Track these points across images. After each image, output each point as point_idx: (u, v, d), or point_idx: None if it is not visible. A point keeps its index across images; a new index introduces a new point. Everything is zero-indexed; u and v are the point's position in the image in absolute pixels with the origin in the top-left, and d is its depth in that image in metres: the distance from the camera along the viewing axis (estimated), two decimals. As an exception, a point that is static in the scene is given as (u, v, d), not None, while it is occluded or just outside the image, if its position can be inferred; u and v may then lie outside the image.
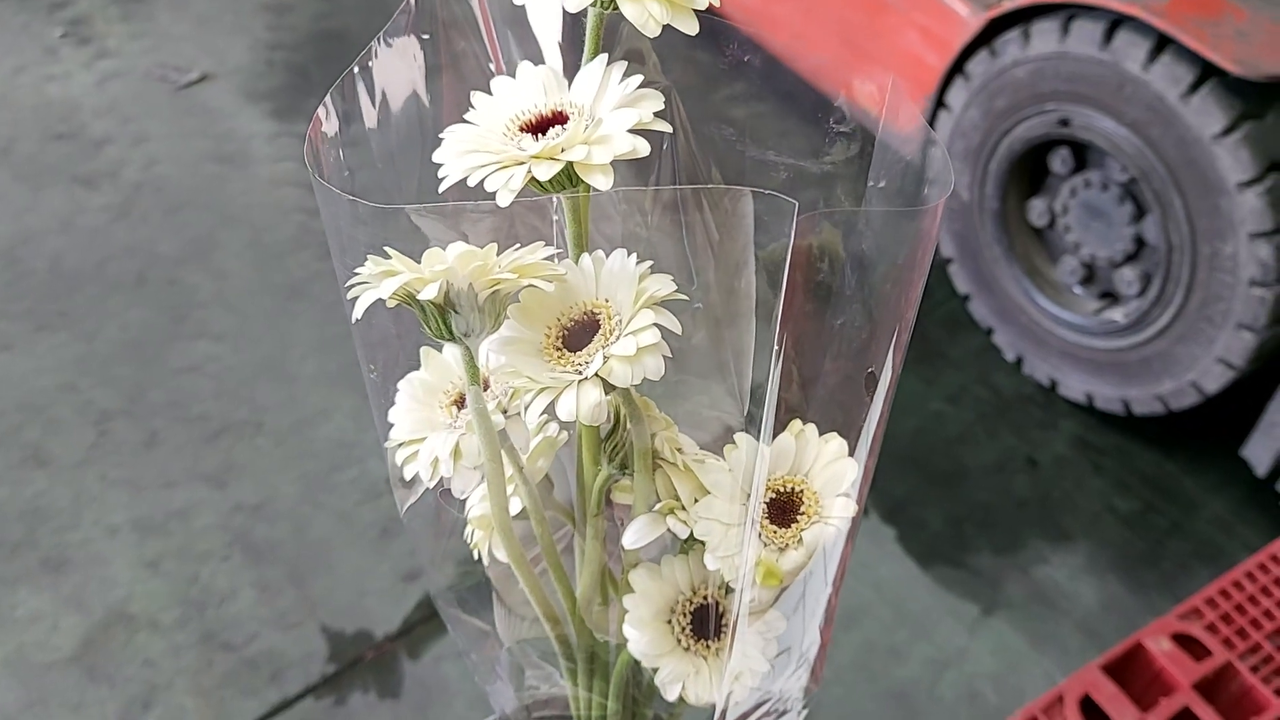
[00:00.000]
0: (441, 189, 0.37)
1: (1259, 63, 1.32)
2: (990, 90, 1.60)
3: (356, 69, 0.43)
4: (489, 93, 0.40)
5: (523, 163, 0.36)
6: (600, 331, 0.37)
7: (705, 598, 0.42)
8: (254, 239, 1.98)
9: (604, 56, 0.38)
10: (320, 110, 0.41)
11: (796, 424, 0.41)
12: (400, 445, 0.42)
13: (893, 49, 1.76)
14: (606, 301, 0.38)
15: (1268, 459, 1.48)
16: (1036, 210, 1.66)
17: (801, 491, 0.40)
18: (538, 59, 0.41)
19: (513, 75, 0.40)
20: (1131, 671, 0.95)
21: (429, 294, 0.35)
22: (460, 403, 0.42)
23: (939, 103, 1.70)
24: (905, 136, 0.46)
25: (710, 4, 0.38)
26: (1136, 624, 0.99)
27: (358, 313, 0.37)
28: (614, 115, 0.37)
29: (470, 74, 0.44)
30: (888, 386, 0.42)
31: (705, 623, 0.42)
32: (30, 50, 2.42)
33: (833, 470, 0.40)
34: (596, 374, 0.36)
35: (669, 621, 0.42)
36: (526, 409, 0.37)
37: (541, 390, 0.37)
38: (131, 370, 1.74)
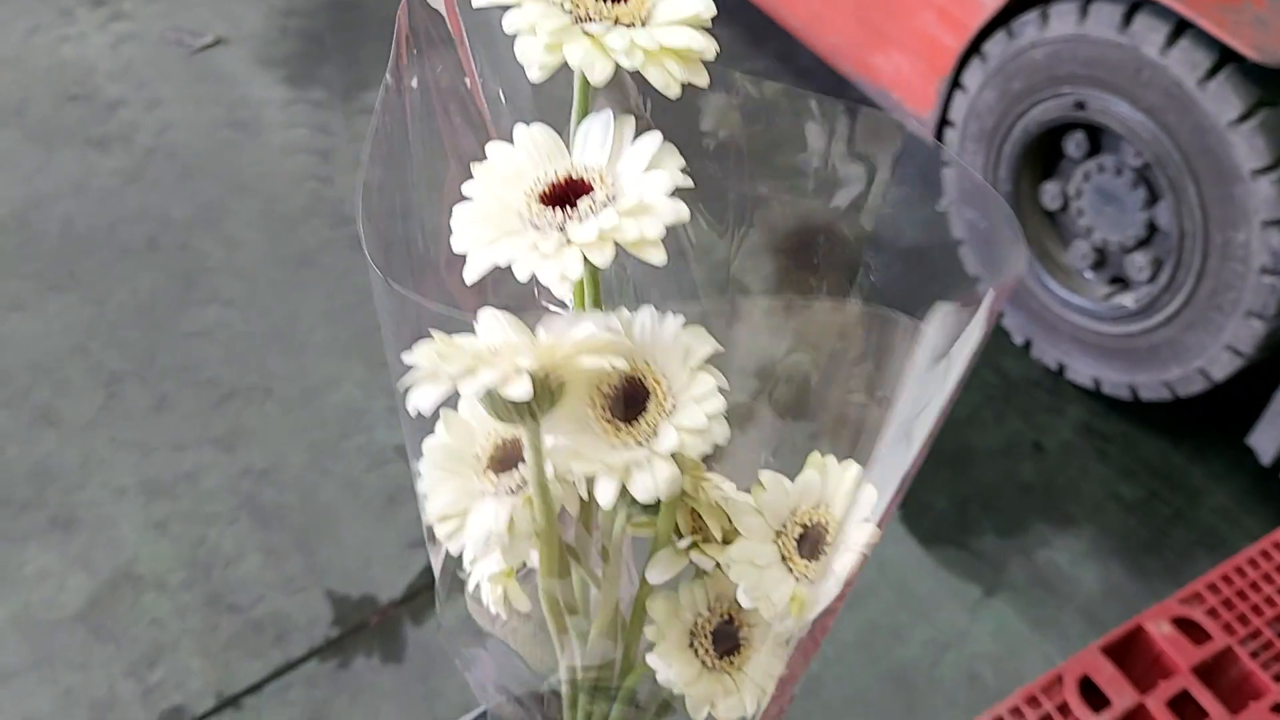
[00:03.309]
0: (471, 278, 0.35)
1: (1277, 49, 1.32)
2: (1007, 72, 1.60)
3: (378, 106, 0.42)
4: (472, 164, 0.38)
5: (568, 243, 0.34)
6: (653, 400, 0.36)
7: (723, 614, 0.41)
8: (266, 206, 1.98)
9: (608, 113, 0.37)
10: (359, 193, 0.40)
11: (816, 456, 0.41)
12: (440, 521, 0.40)
13: (909, 29, 1.75)
14: (648, 365, 0.37)
15: (1273, 447, 1.48)
16: (1049, 194, 1.65)
17: (825, 522, 0.40)
18: (507, 77, 0.40)
19: (488, 96, 0.39)
20: (1131, 654, 0.96)
21: (520, 392, 0.33)
22: (497, 466, 0.39)
23: (955, 84, 1.69)
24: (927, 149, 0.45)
25: (715, 50, 0.36)
26: (1137, 610, 1.00)
27: (426, 406, 0.33)
28: (647, 182, 0.35)
29: (454, 96, 0.43)
30: (926, 440, 0.41)
31: (726, 638, 0.41)
32: (45, 12, 2.42)
33: (853, 498, 0.40)
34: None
35: (691, 646, 0.41)
36: (591, 489, 0.36)
37: (610, 471, 0.35)
38: (142, 334, 1.75)
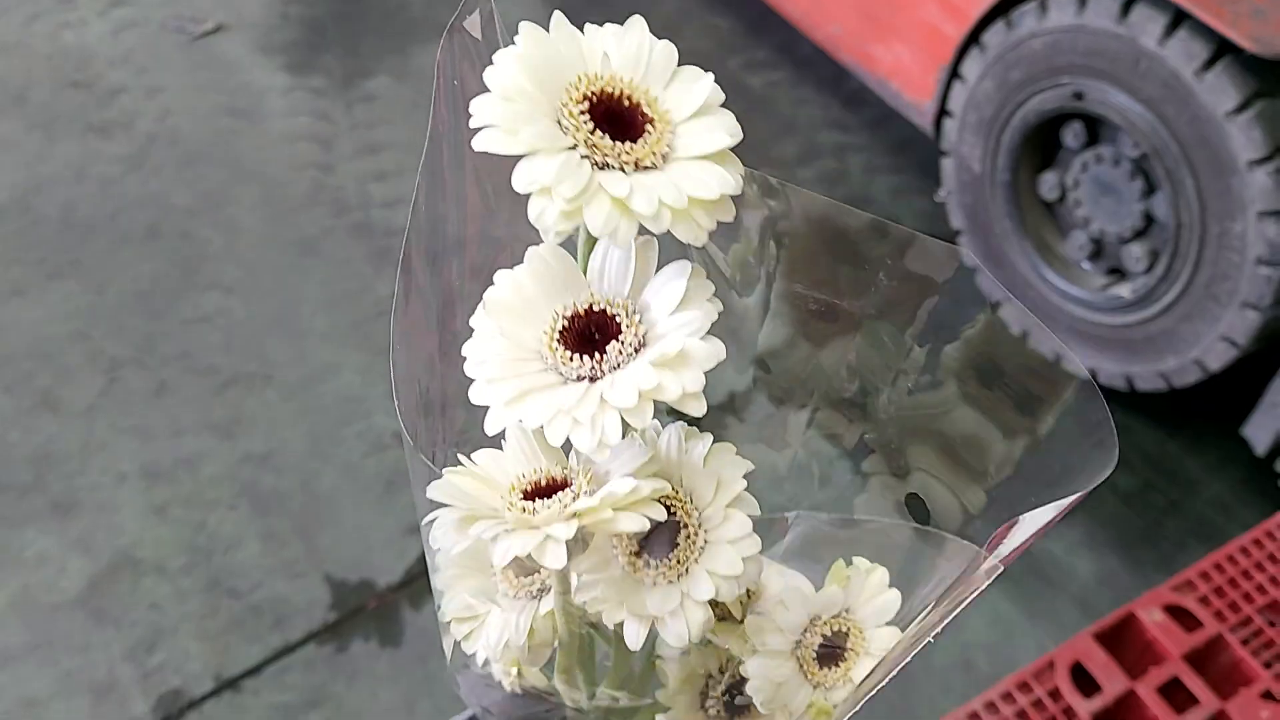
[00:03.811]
0: (493, 432, 0.32)
1: (1275, 40, 1.32)
2: (1006, 62, 1.60)
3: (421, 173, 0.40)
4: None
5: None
6: (684, 535, 0.34)
7: (734, 676, 0.40)
8: (267, 194, 1.99)
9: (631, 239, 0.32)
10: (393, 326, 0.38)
11: (841, 565, 0.40)
12: (457, 621, 0.39)
13: (909, 19, 1.76)
14: (676, 492, 0.34)
15: (1267, 438, 1.49)
16: (1047, 184, 1.66)
17: (848, 631, 0.39)
18: None
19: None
20: (1123, 641, 0.97)
21: (556, 561, 0.31)
22: (519, 570, 0.38)
23: (954, 73, 1.69)
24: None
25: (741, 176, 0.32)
26: (1131, 599, 1.01)
27: (449, 548, 0.32)
28: (677, 321, 0.32)
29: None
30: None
31: (738, 694, 0.40)
32: (46, -2, 2.42)
33: (876, 602, 0.40)
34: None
35: (704, 708, 0.41)
36: (622, 631, 0.35)
37: (641, 621, 0.34)
38: (142, 320, 1.76)
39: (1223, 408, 1.61)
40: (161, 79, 2.22)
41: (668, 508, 0.34)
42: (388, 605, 1.40)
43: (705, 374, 0.31)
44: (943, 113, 1.74)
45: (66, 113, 2.14)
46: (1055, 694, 0.91)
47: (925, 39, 1.73)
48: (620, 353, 0.32)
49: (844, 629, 0.39)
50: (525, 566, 0.37)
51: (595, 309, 0.33)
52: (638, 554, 0.34)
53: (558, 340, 0.32)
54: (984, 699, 0.91)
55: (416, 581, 1.42)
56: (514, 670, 0.41)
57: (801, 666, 0.39)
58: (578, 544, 0.32)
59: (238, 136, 2.11)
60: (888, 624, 0.39)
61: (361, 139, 2.08)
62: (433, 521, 0.33)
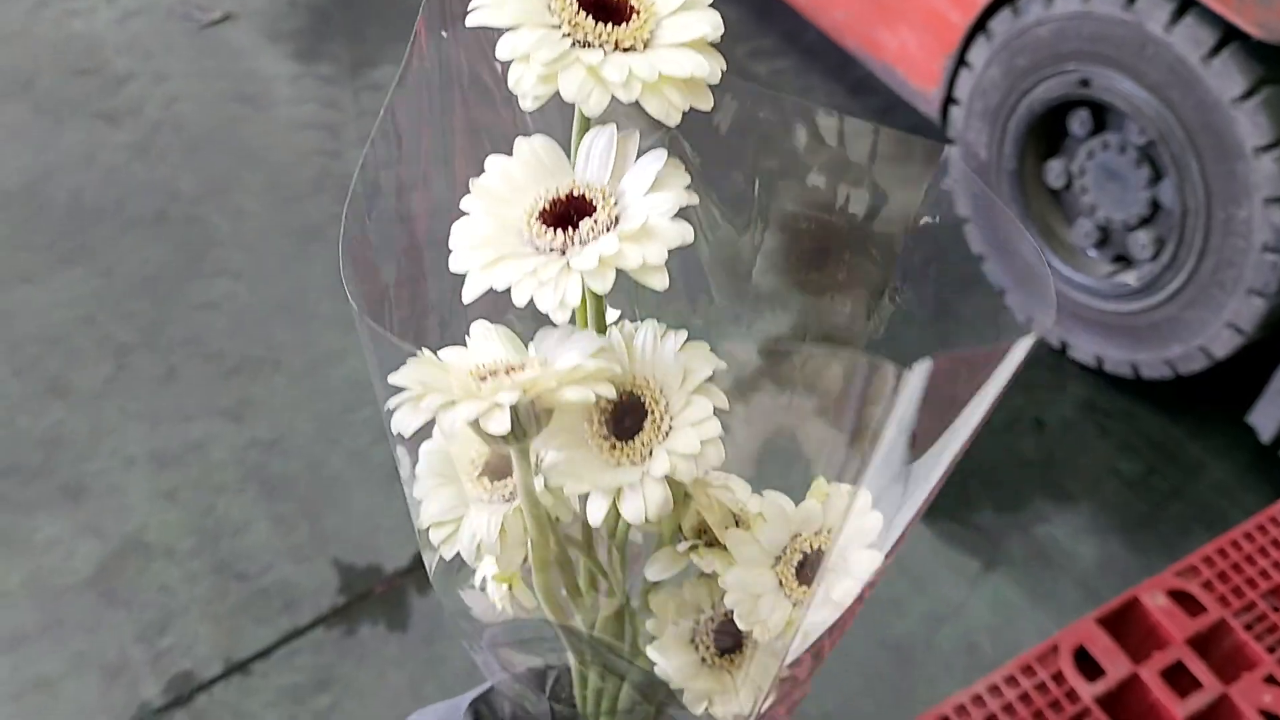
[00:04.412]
0: (468, 299, 0.34)
1: (1282, 27, 1.32)
2: (1012, 49, 1.60)
3: (382, 113, 0.42)
4: (471, 180, 0.37)
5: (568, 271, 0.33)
6: (650, 418, 0.36)
7: (726, 614, 0.41)
8: (273, 180, 1.99)
9: (611, 128, 0.35)
10: (348, 207, 0.40)
11: (820, 483, 0.41)
12: (435, 526, 0.40)
13: (915, 5, 1.75)
14: (648, 382, 0.36)
15: (1272, 425, 1.49)
16: (1054, 171, 1.66)
17: (827, 550, 0.40)
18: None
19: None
20: (1126, 625, 0.97)
21: (499, 427, 0.32)
22: (492, 474, 0.39)
23: (960, 60, 1.69)
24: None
25: (721, 70, 0.34)
26: (1135, 584, 1.01)
27: (406, 429, 0.33)
28: (652, 204, 0.34)
29: (477, 100, 0.42)
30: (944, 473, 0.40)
31: (728, 636, 0.41)
32: (54, -15, 2.43)
33: (859, 524, 0.40)
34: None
35: (692, 642, 0.41)
36: (583, 506, 0.36)
37: (602, 492, 0.35)
38: (150, 305, 1.77)
39: (1228, 395, 1.61)
40: (169, 66, 2.22)
41: (637, 397, 0.36)
42: (395, 590, 1.41)
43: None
44: (949, 100, 1.74)
45: (74, 99, 2.14)
46: (1058, 677, 0.91)
47: (931, 26, 1.73)
48: (592, 230, 0.34)
49: (823, 547, 0.40)
50: (497, 470, 0.39)
51: (575, 194, 0.35)
52: (606, 437, 0.36)
53: (537, 218, 0.35)
54: (987, 682, 0.91)
55: (423, 566, 1.43)
56: (506, 588, 0.41)
57: (782, 584, 0.39)
58: (533, 422, 0.34)
59: (245, 123, 2.11)
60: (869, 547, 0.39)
61: (369, 126, 2.05)
62: (393, 411, 0.34)
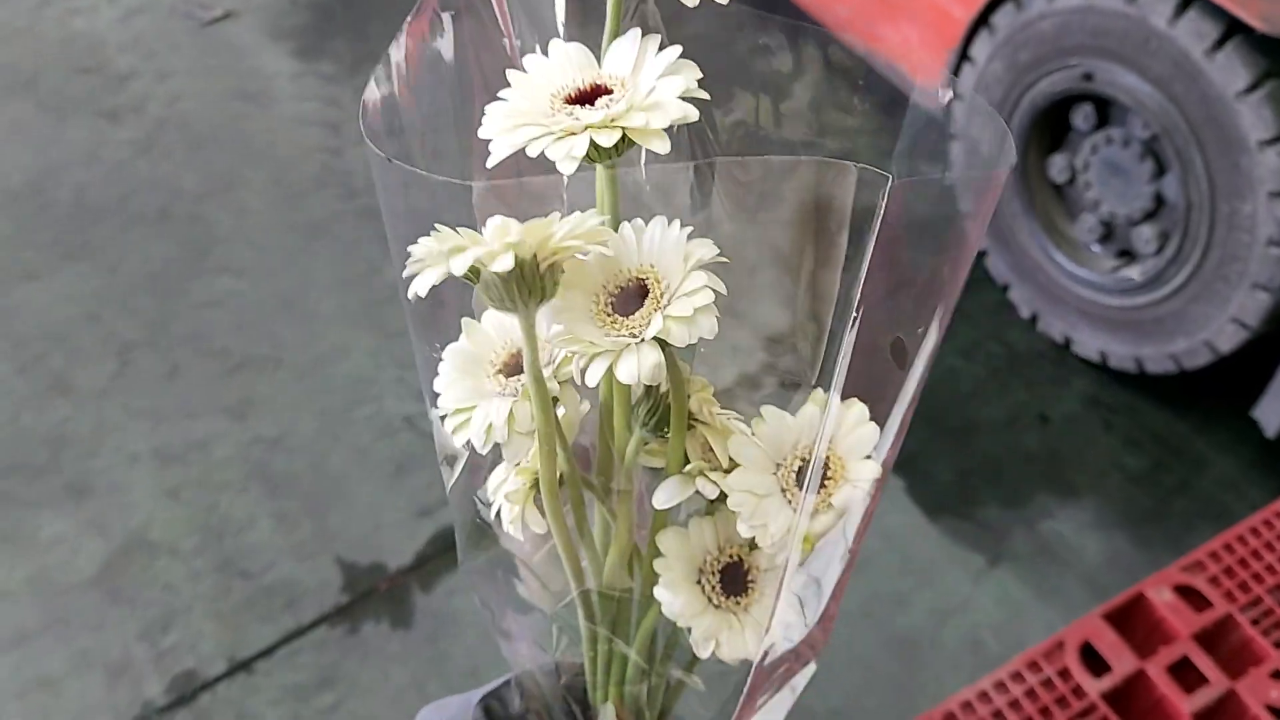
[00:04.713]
0: (492, 163, 0.38)
1: (1287, 21, 1.32)
2: (1014, 43, 1.60)
3: (391, 48, 0.44)
4: (508, 70, 0.40)
5: (580, 132, 0.37)
6: (650, 296, 0.38)
7: (732, 556, 0.43)
8: (276, 177, 1.99)
9: (637, 30, 0.40)
10: (369, 88, 0.42)
11: (819, 393, 0.42)
12: (450, 414, 0.43)
13: (918, 1, 1.75)
14: (652, 267, 0.39)
15: (1277, 420, 1.49)
16: (1057, 166, 1.65)
17: (828, 457, 0.41)
18: (546, 35, 0.42)
19: (525, 53, 0.41)
20: (1132, 620, 0.97)
21: (503, 265, 0.36)
22: (507, 370, 0.43)
23: (963, 55, 1.69)
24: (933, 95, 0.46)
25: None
26: (1140, 579, 1.01)
27: (422, 289, 0.37)
28: (662, 84, 0.38)
29: (489, 52, 0.45)
30: (927, 358, 0.42)
31: (734, 580, 0.43)
32: (56, -17, 2.43)
33: (856, 435, 0.41)
34: (655, 336, 0.37)
35: (699, 582, 0.42)
36: (584, 372, 0.38)
37: (600, 354, 0.38)
38: (153, 303, 1.77)
39: (1233, 390, 1.61)
40: (171, 64, 2.22)
41: (643, 282, 0.39)
42: (398, 587, 1.41)
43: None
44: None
45: (77, 98, 2.14)
46: (1065, 673, 0.91)
47: (934, 21, 1.73)
48: (607, 105, 0.38)
49: (824, 455, 0.41)
50: (512, 369, 0.42)
51: (599, 84, 0.39)
52: (610, 315, 0.39)
53: (562, 100, 0.39)
54: (993, 678, 0.91)
55: (427, 564, 1.43)
56: (517, 510, 0.44)
57: (784, 490, 0.41)
58: (538, 282, 0.37)
59: (247, 121, 2.11)
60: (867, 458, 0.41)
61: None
62: (412, 276, 0.37)
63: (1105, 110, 1.58)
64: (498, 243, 0.36)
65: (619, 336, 0.38)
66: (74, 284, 1.79)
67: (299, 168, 2.01)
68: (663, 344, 0.38)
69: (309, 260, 1.84)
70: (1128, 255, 1.63)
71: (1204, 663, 0.91)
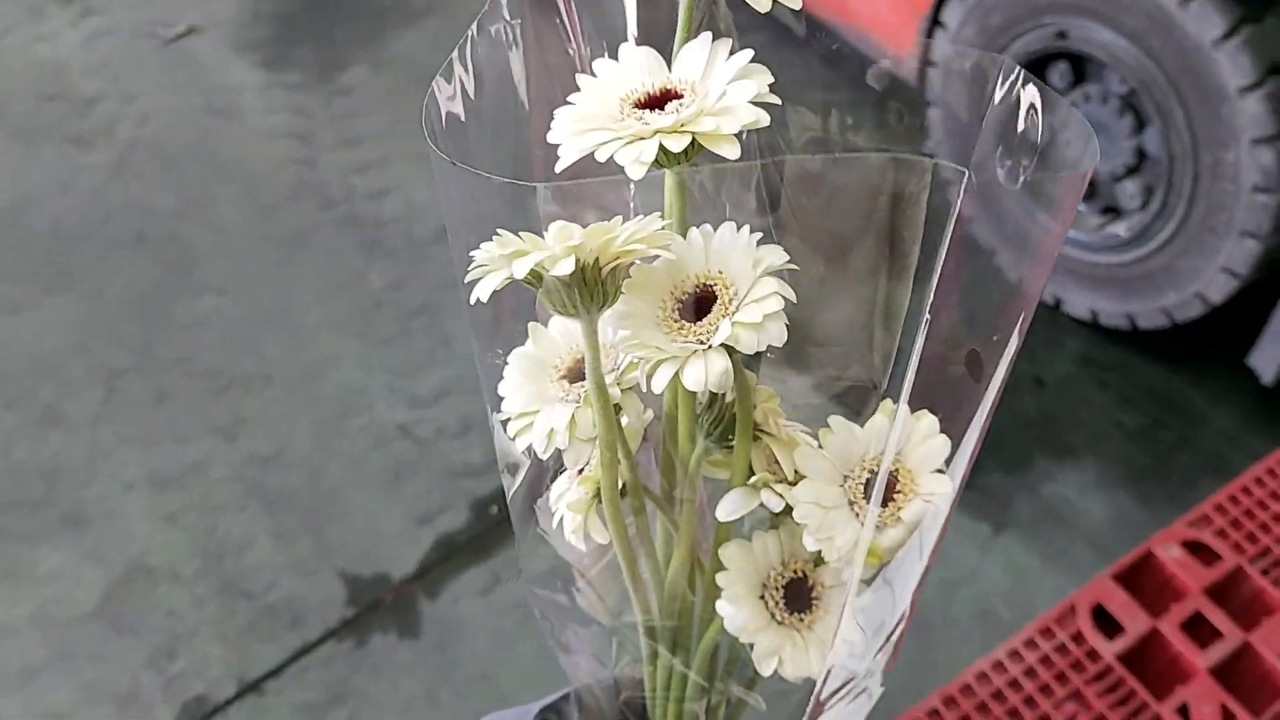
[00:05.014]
0: (560, 168, 0.37)
1: (1257, -34, 1.31)
2: (985, 6, 1.58)
3: (455, 55, 0.43)
4: (575, 75, 0.40)
5: (649, 136, 0.36)
6: (719, 302, 0.38)
7: (796, 571, 0.42)
8: (251, 191, 1.98)
9: (708, 34, 0.39)
10: (431, 92, 0.41)
11: (888, 404, 0.42)
12: (513, 419, 0.43)
13: (886, -30, 1.74)
14: (720, 273, 0.39)
15: (1273, 366, 1.48)
16: (1036, 127, 1.64)
17: (897, 470, 0.40)
18: (614, 42, 0.42)
19: (591, 60, 0.41)
20: (1142, 579, 0.96)
21: (564, 269, 0.35)
22: (571, 377, 0.42)
23: (935, 21, 1.68)
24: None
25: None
26: (1146, 537, 1.01)
27: (484, 294, 0.36)
28: (733, 88, 0.38)
29: (555, 58, 0.44)
30: (1005, 370, 0.42)
31: (798, 596, 0.42)
32: (15, 11, 2.40)
33: (927, 447, 0.41)
34: (723, 343, 0.37)
35: (762, 597, 0.42)
36: (650, 378, 0.38)
37: (666, 359, 0.37)
38: (138, 327, 1.75)
39: (1224, 340, 1.60)
40: (137, 85, 2.20)
41: (711, 288, 0.38)
42: (404, 597, 1.40)
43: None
44: (926, 63, 1.72)
45: (46, 125, 2.12)
46: (1078, 637, 0.91)
47: (903, -11, 1.72)
48: (677, 110, 0.37)
49: (894, 468, 0.40)
50: (575, 375, 0.42)
51: (669, 89, 0.39)
52: (676, 321, 0.38)
53: (632, 105, 0.38)
54: (1007, 647, 0.90)
55: (431, 571, 1.42)
56: (579, 519, 0.43)
57: (852, 504, 0.40)
58: (600, 287, 0.37)
59: (217, 137, 2.09)
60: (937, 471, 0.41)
61: (341, 132, 2.06)
62: (474, 282, 0.37)
63: (1081, 67, 1.57)
64: (559, 246, 0.35)
65: (686, 342, 0.38)
66: (58, 314, 1.77)
67: (273, 180, 1.99)
68: (730, 351, 0.37)
69: (291, 273, 1.82)
70: (1113, 212, 1.62)
71: (1217, 617, 0.90)
